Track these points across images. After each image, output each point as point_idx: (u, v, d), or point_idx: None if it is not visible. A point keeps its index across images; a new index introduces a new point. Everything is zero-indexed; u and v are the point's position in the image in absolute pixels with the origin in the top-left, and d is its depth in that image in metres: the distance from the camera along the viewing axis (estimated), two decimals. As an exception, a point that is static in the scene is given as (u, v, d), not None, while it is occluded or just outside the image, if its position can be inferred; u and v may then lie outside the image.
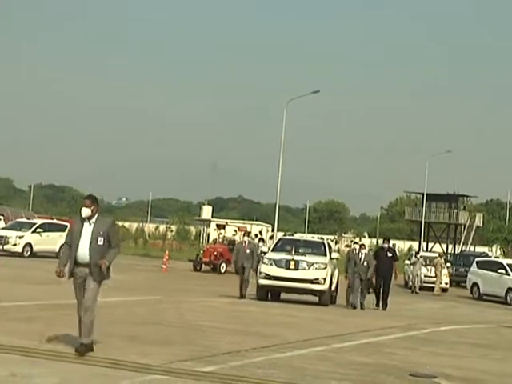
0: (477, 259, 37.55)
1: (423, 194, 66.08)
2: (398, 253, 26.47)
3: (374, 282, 23.26)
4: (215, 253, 39.43)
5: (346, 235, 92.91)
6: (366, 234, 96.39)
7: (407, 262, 39.57)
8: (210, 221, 74.15)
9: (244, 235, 25.39)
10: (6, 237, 36.96)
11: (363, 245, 23.96)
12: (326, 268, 22.08)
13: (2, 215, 46.58)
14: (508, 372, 11.77)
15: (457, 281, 42.16)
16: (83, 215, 10.02)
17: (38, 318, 13.33)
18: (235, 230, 52.22)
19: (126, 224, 79.79)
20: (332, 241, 64.83)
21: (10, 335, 10.85)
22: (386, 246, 23.89)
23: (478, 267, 34.93)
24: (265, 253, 24.09)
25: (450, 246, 66.70)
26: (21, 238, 37.12)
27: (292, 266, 22.01)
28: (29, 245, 37.31)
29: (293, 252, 22.49)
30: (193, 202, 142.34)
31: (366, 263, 22.65)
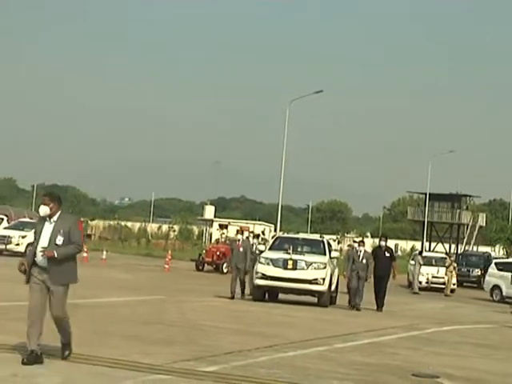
0: (495, 260, 36.50)
1: (426, 194, 66.05)
2: (394, 251, 25.79)
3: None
4: (218, 253, 39.42)
5: (348, 235, 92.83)
6: (368, 234, 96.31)
7: (412, 262, 38.94)
8: (212, 221, 74.23)
9: (238, 233, 24.20)
10: (9, 236, 37.01)
11: (362, 242, 23.20)
12: (325, 268, 21.32)
13: (6, 215, 46.60)
14: (511, 372, 11.75)
15: (460, 281, 42.10)
16: (41, 214, 9.29)
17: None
18: (237, 230, 52.19)
19: (129, 224, 79.88)
20: (334, 241, 64.77)
21: (12, 335, 10.84)
22: (384, 243, 22.91)
23: (497, 269, 33.80)
24: (262, 251, 23.25)
25: (453, 246, 66.65)
26: (23, 237, 37.11)
27: (290, 266, 21.21)
28: (31, 244, 37.29)
29: (291, 251, 21.62)
30: (195, 201, 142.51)
31: (364, 261, 21.93)
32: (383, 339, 14.55)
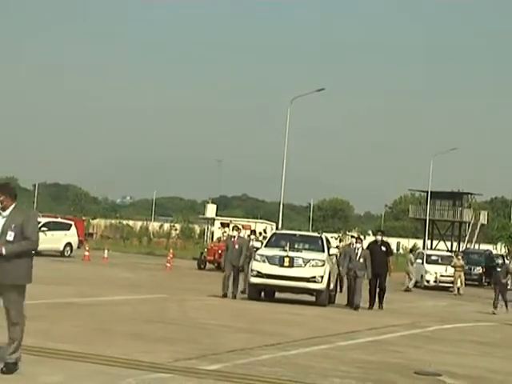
0: None
1: (427, 192, 66.04)
2: (396, 249, 25.20)
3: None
4: (219, 251, 39.32)
5: (350, 233, 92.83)
6: (370, 232, 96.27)
7: (419, 260, 38.43)
8: (214, 219, 74.18)
9: (233, 230, 23.13)
10: (11, 235, 36.98)
11: (359, 238, 21.95)
12: (323, 265, 20.45)
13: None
14: (512, 370, 11.75)
15: (461, 278, 42.02)
16: None
17: (42, 317, 13.33)
18: (233, 227, 52.14)
19: (131, 222, 79.97)
20: (336, 239, 64.74)
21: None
22: (380, 238, 21.96)
23: None
24: (257, 248, 22.40)
25: (455, 244, 66.66)
26: (25, 236, 37.13)
27: (286, 263, 20.32)
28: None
29: (287, 248, 20.70)
30: (197, 200, 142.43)
31: (362, 260, 20.76)
32: (385, 337, 14.55)
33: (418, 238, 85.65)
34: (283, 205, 47.05)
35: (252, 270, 20.71)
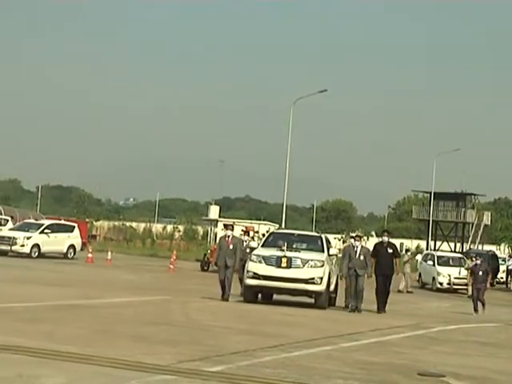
0: None
1: (431, 193, 66.06)
2: (399, 250, 24.10)
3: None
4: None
5: (353, 234, 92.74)
6: (373, 233, 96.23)
7: (429, 262, 37.72)
8: (217, 220, 74.28)
9: (227, 229, 22.00)
10: (14, 238, 37.09)
11: (359, 236, 21.14)
12: (323, 266, 19.65)
13: (11, 216, 46.71)
14: (517, 371, 11.72)
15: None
16: None
17: (45, 319, 13.33)
18: (242, 230, 52.19)
19: (134, 224, 79.97)
20: (339, 240, 64.70)
21: (18, 336, 10.86)
22: (386, 239, 20.98)
23: None
24: (253, 249, 21.73)
25: (458, 245, 66.62)
26: (28, 238, 37.23)
27: (284, 264, 19.51)
28: (37, 246, 37.43)
29: (285, 248, 19.87)
30: (200, 201, 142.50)
31: (362, 257, 19.97)
32: (389, 338, 14.52)
33: (421, 238, 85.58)
34: (286, 206, 47.04)
35: (248, 272, 19.92)
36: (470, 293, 32.44)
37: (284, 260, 19.63)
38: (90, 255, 38.21)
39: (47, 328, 11.99)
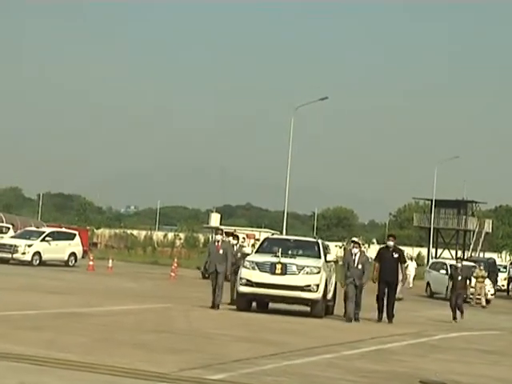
0: None
1: (432, 201, 66.05)
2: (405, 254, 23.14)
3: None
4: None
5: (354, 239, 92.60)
6: (374, 241, 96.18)
7: (442, 271, 36.23)
8: (218, 228, 74.12)
9: (216, 233, 21.13)
10: (15, 245, 37.07)
11: (356, 243, 20.05)
12: (319, 272, 18.82)
13: (12, 224, 46.73)
14: (519, 378, 11.70)
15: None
16: None
17: (47, 327, 13.32)
18: (244, 238, 52.17)
19: (135, 232, 79.94)
20: (340, 247, 64.63)
21: (19, 344, 10.84)
22: (392, 243, 19.91)
23: None
24: (247, 254, 21.08)
25: (459, 253, 66.58)
26: (30, 246, 37.21)
27: (278, 271, 18.68)
28: (38, 253, 37.40)
29: (279, 253, 19.07)
30: (201, 209, 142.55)
31: (360, 266, 19.16)
32: (390, 346, 14.50)
33: (422, 246, 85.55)
34: (287, 214, 47.01)
35: (241, 279, 19.13)
36: (483, 303, 31.80)
37: (278, 266, 18.85)
38: (91, 263, 38.17)
39: (48, 336, 11.98)
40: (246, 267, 19.17)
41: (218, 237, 20.64)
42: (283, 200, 45.62)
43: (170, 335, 13.62)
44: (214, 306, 19.73)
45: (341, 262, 22.48)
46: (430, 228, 66.13)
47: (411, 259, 43.74)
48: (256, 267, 19.00)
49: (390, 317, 19.60)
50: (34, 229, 41.80)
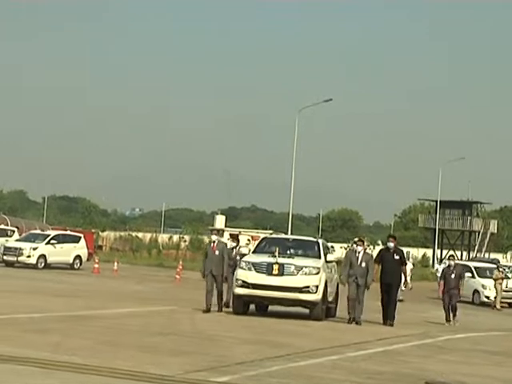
0: None
1: (437, 202, 66.03)
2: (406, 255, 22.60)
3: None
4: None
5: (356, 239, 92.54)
6: (379, 242, 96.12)
7: (467, 274, 35.89)
8: (223, 230, 74.24)
9: (212, 234, 20.72)
10: (20, 248, 37.11)
11: (360, 240, 19.42)
12: (318, 273, 18.04)
13: (17, 227, 46.80)
14: (525, 379, 11.67)
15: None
16: None
17: (52, 330, 13.33)
18: (248, 240, 52.22)
19: (140, 234, 79.99)
20: (346, 249, 64.58)
21: (25, 347, 10.86)
22: (392, 244, 19.22)
23: None
24: (244, 255, 20.25)
25: (465, 253, 66.54)
26: (35, 249, 37.25)
27: (275, 271, 17.85)
28: (43, 256, 37.43)
29: (277, 253, 18.22)
30: (206, 211, 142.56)
31: (364, 264, 18.45)
32: (396, 347, 14.47)
33: (427, 247, 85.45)
34: (292, 215, 47.02)
35: (237, 280, 18.34)
36: (498, 305, 30.98)
37: (275, 267, 18.00)
38: (96, 266, 38.21)
39: (54, 339, 11.99)
40: (242, 268, 18.45)
41: (214, 237, 20.07)
42: (288, 202, 45.65)
43: (175, 337, 13.62)
44: (210, 309, 19.03)
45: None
46: (435, 229, 66.12)
47: (408, 259, 43.58)
48: (252, 268, 18.24)
49: (392, 318, 19.09)
50: (39, 232, 41.87)
